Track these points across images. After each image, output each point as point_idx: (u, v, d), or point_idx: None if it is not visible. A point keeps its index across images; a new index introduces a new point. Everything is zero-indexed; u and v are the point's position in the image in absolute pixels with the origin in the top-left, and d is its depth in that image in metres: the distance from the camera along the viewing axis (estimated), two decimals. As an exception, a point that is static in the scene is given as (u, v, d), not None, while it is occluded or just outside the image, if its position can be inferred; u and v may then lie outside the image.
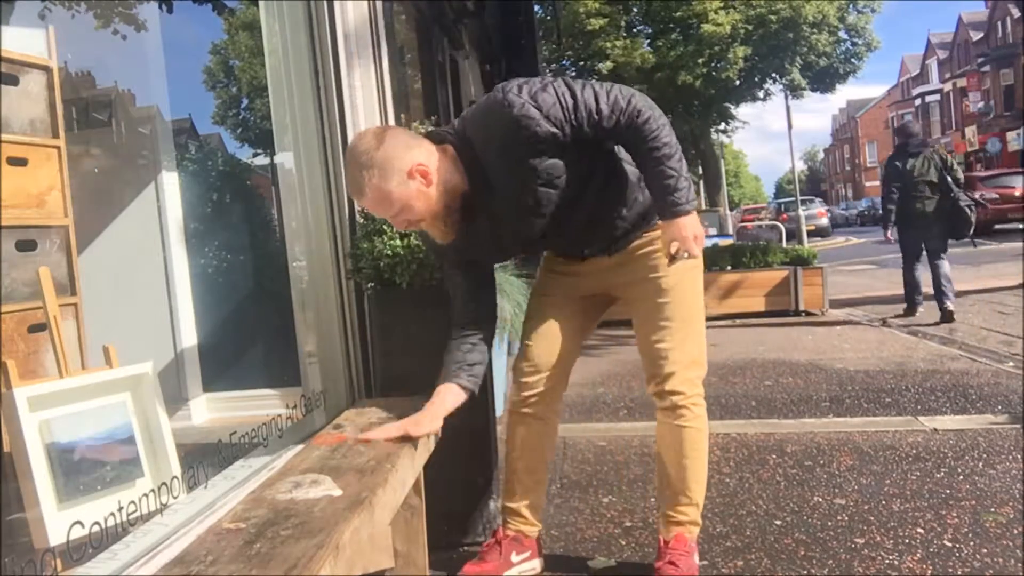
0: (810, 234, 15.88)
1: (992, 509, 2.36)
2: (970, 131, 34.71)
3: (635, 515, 2.50)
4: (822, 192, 59.32)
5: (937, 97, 40.54)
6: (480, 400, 2.27)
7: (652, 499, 2.58)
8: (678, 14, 19.86)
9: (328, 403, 2.47)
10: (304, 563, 1.09)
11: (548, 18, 16.68)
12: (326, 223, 2.52)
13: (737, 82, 20.50)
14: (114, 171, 3.36)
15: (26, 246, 1.97)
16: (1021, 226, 14.54)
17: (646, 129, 1.74)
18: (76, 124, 3.10)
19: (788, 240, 10.98)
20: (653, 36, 20.96)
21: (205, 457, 1.89)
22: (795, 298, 7.17)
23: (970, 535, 2.18)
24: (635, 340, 2.02)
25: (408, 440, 1.72)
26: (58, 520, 1.51)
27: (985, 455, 2.87)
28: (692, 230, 1.77)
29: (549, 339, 2.03)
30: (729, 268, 7.39)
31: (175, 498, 1.67)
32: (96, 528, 1.43)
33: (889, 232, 6.64)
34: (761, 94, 22.26)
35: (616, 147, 1.90)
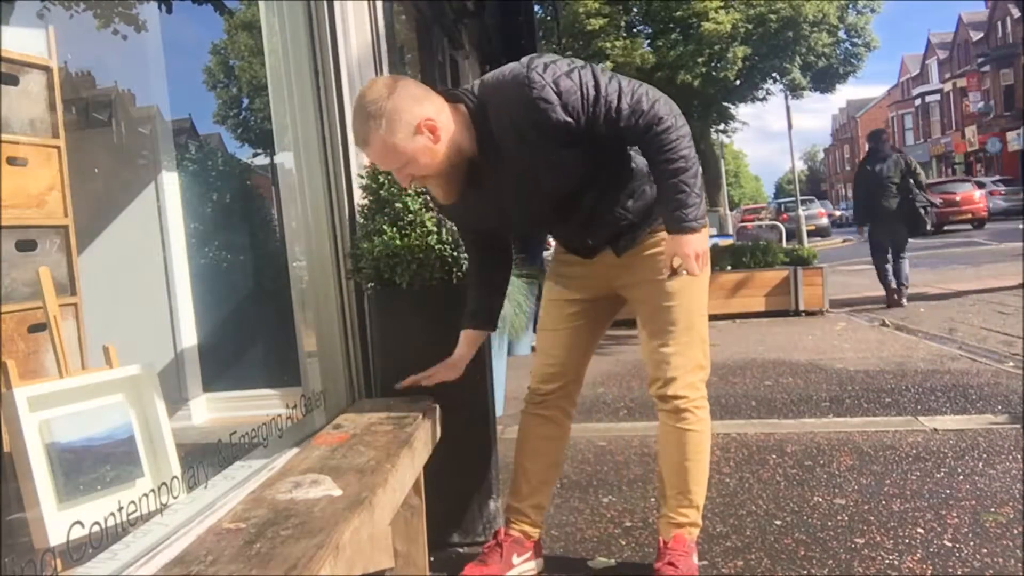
0: (810, 234, 15.90)
1: (992, 509, 2.36)
2: (970, 131, 34.72)
3: (635, 515, 2.50)
4: (822, 192, 59.30)
5: (937, 97, 40.54)
6: (480, 400, 2.28)
7: (652, 499, 2.58)
8: (678, 14, 19.88)
9: (328, 403, 2.47)
10: (304, 563, 1.09)
11: (548, 18, 16.69)
12: (326, 223, 2.52)
13: (737, 82, 20.51)
14: (114, 171, 3.36)
15: (26, 246, 1.97)
16: (1021, 226, 14.54)
17: (663, 138, 1.70)
18: (76, 124, 3.10)
19: (788, 240, 10.98)
20: (653, 36, 20.98)
21: (205, 457, 1.89)
22: (795, 298, 7.17)
23: (970, 535, 2.18)
24: (638, 340, 2.03)
25: (408, 438, 1.72)
26: (58, 520, 1.51)
27: (985, 455, 2.87)
28: (696, 248, 1.74)
29: (563, 343, 2.03)
30: (729, 268, 7.38)
31: (175, 498, 1.67)
32: (96, 528, 1.42)
33: (861, 229, 7.60)
34: (761, 94, 22.28)
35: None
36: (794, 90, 21.43)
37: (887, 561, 2.06)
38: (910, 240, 7.23)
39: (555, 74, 1.66)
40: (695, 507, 1.99)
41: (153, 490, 1.64)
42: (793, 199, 17.61)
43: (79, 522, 1.41)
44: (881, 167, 7.01)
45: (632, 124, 1.69)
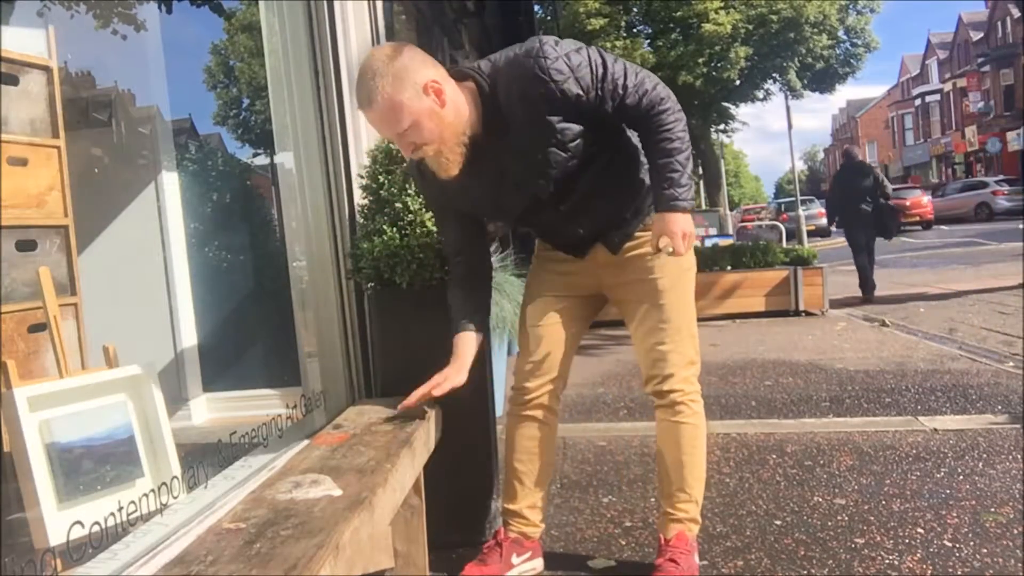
0: (810, 234, 15.91)
1: (992, 509, 2.36)
2: (970, 131, 34.73)
3: (635, 515, 2.50)
4: (822, 192, 59.31)
5: (937, 97, 40.55)
6: (480, 400, 2.28)
7: (652, 499, 2.59)
8: (678, 14, 19.87)
9: (328, 403, 2.47)
10: (304, 563, 1.09)
11: (548, 18, 16.70)
12: (326, 223, 2.52)
13: (737, 82, 20.50)
14: (114, 171, 3.36)
15: (26, 246, 1.97)
16: (1021, 226, 14.56)
17: (663, 118, 1.75)
18: (76, 124, 3.10)
19: (788, 240, 10.99)
20: (653, 36, 20.98)
21: (205, 457, 1.89)
22: (795, 298, 7.17)
23: (970, 535, 2.18)
24: (631, 340, 2.03)
25: (408, 438, 1.72)
26: (58, 520, 1.51)
27: (985, 455, 2.87)
28: (683, 227, 1.77)
29: (547, 340, 2.02)
30: (729, 268, 7.38)
31: (175, 498, 1.67)
32: (96, 528, 1.42)
33: (832, 224, 9.14)
34: (761, 94, 22.27)
35: (631, 131, 1.89)
36: (794, 90, 21.44)
37: (887, 561, 2.06)
38: (897, 240, 8.58)
39: (566, 50, 1.70)
40: (694, 502, 1.99)
41: (153, 490, 1.64)
42: (793, 199, 17.61)
43: (79, 522, 1.41)
44: (856, 177, 8.03)
45: (636, 102, 1.73)
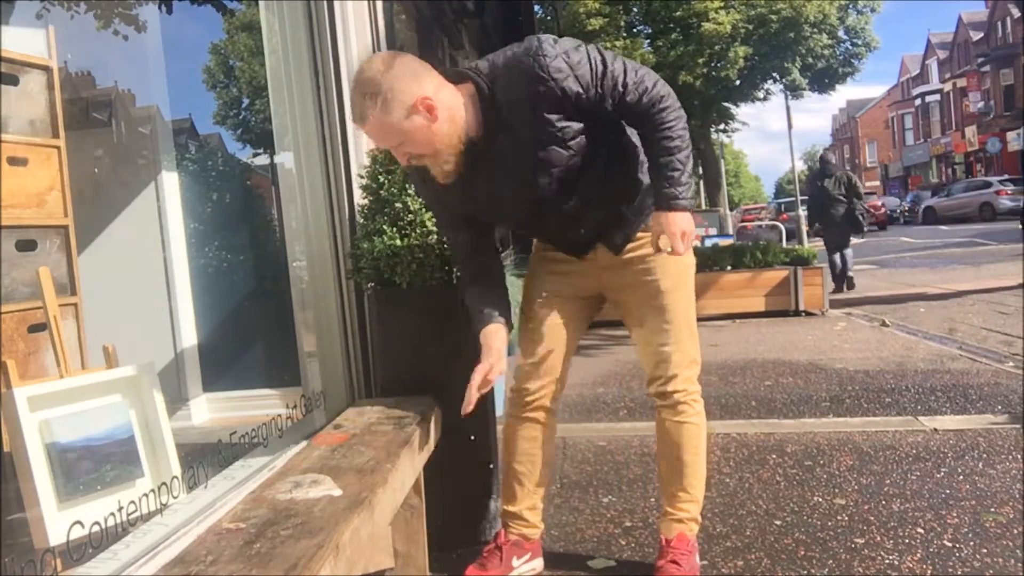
0: (810, 234, 15.92)
1: (992, 509, 2.36)
2: (970, 131, 34.72)
3: (635, 515, 2.50)
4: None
5: (937, 97, 40.54)
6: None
7: (652, 499, 2.59)
8: (678, 14, 19.84)
9: (328, 403, 2.46)
10: (304, 563, 1.09)
11: (548, 18, 16.67)
12: (326, 223, 2.52)
13: (737, 82, 20.49)
14: (114, 171, 3.36)
15: (26, 246, 1.97)
16: (1021, 226, 14.59)
17: (663, 116, 1.74)
18: (76, 124, 3.10)
19: (788, 240, 11.00)
20: (653, 36, 20.95)
21: (205, 457, 1.89)
22: (795, 298, 7.17)
23: (970, 535, 2.18)
24: (632, 341, 2.02)
25: (408, 438, 1.72)
26: (58, 520, 1.51)
27: (985, 455, 2.87)
28: (682, 226, 1.76)
29: (546, 341, 2.01)
30: (729, 268, 7.39)
31: (175, 498, 1.67)
32: (96, 528, 1.42)
33: (812, 228, 9.54)
34: (761, 94, 22.25)
35: (631, 129, 1.88)
36: (794, 90, 21.42)
37: (887, 561, 2.06)
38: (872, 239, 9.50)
39: (564, 47, 1.70)
40: (695, 502, 1.99)
41: (153, 490, 1.64)
42: (793, 199, 17.59)
43: (79, 522, 1.41)
44: (828, 183, 8.72)
45: (636, 99, 1.73)
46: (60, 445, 1.59)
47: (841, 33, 21.25)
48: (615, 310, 2.06)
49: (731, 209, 27.06)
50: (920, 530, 2.24)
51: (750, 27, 19.49)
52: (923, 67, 43.82)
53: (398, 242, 2.21)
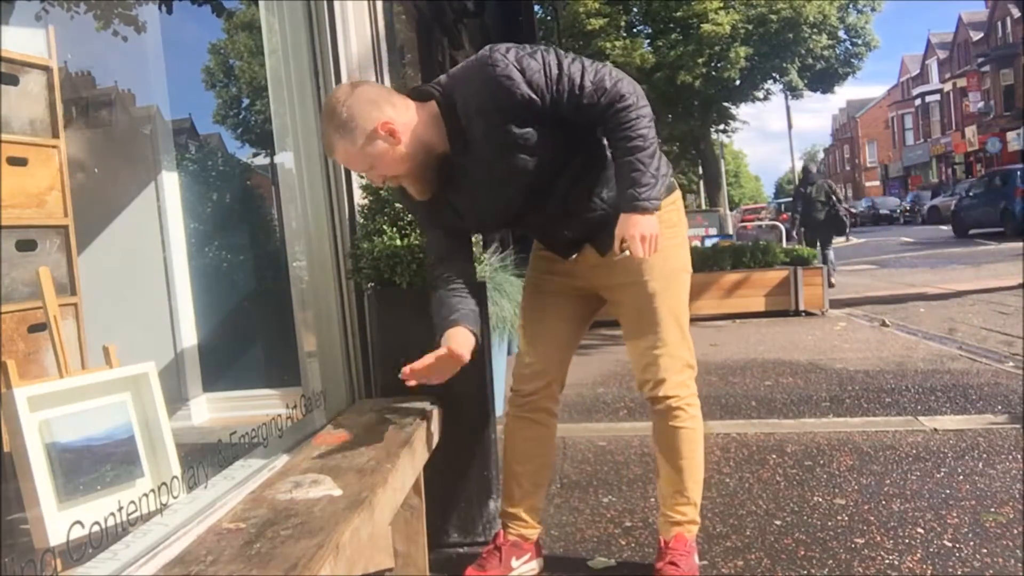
0: (789, 235, 15.96)
1: (992, 509, 2.36)
2: (970, 131, 34.71)
3: (635, 515, 2.50)
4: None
5: (937, 97, 40.55)
6: (480, 400, 2.28)
7: (652, 499, 2.58)
8: (678, 14, 19.83)
9: (328, 403, 2.46)
10: (304, 563, 1.09)
11: (548, 18, 16.69)
12: (326, 223, 2.52)
13: (737, 82, 20.48)
14: (114, 171, 3.35)
15: (26, 246, 1.96)
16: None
17: (624, 116, 1.70)
18: (76, 124, 3.10)
19: (788, 240, 11.01)
20: (653, 36, 20.93)
21: (205, 457, 1.88)
22: (795, 298, 7.17)
23: (970, 535, 2.18)
24: (624, 342, 2.02)
25: (408, 438, 1.72)
26: (58, 520, 1.51)
27: (985, 455, 2.87)
28: (643, 229, 1.70)
29: (545, 342, 2.01)
30: (729, 268, 7.39)
31: (175, 498, 1.67)
32: (96, 528, 1.42)
33: (795, 231, 10.32)
34: (761, 94, 22.25)
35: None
36: (794, 90, 21.42)
37: (887, 561, 2.06)
38: (839, 238, 10.68)
39: (518, 55, 1.69)
40: (693, 504, 1.99)
41: (153, 490, 1.64)
42: (793, 199, 17.60)
43: (79, 522, 1.41)
44: (811, 189, 9.69)
45: (595, 101, 1.70)
46: (60, 445, 1.58)
47: (841, 33, 21.24)
48: (610, 310, 2.05)
49: (731, 209, 27.07)
50: (920, 530, 2.24)
51: (750, 27, 19.48)
52: (923, 67, 43.83)
53: (398, 242, 2.21)
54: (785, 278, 7.23)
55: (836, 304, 7.56)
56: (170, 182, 3.34)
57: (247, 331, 3.72)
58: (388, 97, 1.71)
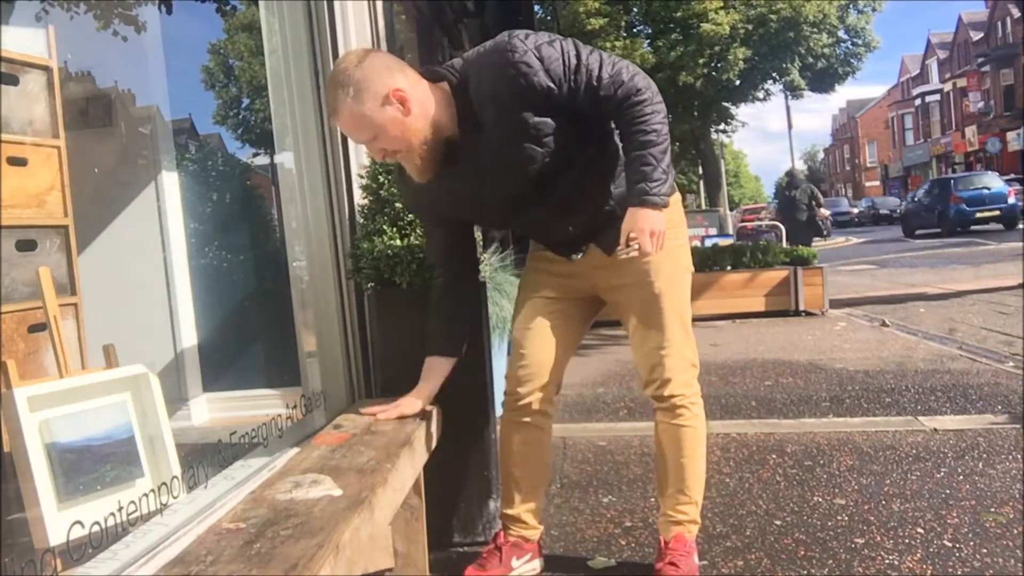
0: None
1: (992, 509, 2.36)
2: (970, 131, 34.74)
3: (635, 515, 2.50)
4: (822, 192, 59.32)
5: (937, 97, 40.55)
6: (480, 400, 2.28)
7: (652, 499, 2.58)
8: (678, 14, 19.85)
9: (328, 403, 2.46)
10: (304, 563, 1.09)
11: (548, 18, 16.66)
12: (326, 223, 2.52)
13: (737, 82, 20.49)
14: (114, 171, 3.35)
15: (26, 246, 1.96)
16: (1021, 226, 14.60)
17: (639, 110, 1.70)
18: (76, 124, 3.09)
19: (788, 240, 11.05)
20: (653, 36, 20.95)
21: (205, 457, 1.89)
22: (795, 298, 7.17)
23: (970, 535, 2.18)
24: (628, 343, 2.01)
25: (408, 438, 1.72)
26: (58, 520, 1.51)
27: (985, 455, 2.87)
28: (651, 225, 1.68)
29: (538, 344, 1.98)
30: (729, 268, 7.39)
31: (175, 498, 1.67)
32: (96, 528, 1.42)
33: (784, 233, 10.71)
34: (761, 94, 22.26)
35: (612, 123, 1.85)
36: (794, 90, 21.43)
37: (887, 561, 2.06)
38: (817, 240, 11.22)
39: (536, 42, 1.67)
40: (694, 504, 1.99)
41: (153, 490, 1.64)
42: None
43: (79, 522, 1.41)
44: (795, 193, 10.22)
45: (611, 93, 1.69)
46: (60, 445, 1.58)
47: (841, 33, 21.25)
48: (612, 311, 2.05)
49: (731, 209, 27.07)
50: (920, 530, 2.24)
51: (750, 27, 19.49)
52: (923, 67, 43.82)
53: (398, 242, 2.21)
54: (785, 278, 7.23)
55: (836, 304, 7.56)
56: (170, 182, 3.33)
57: (247, 331, 3.72)
58: (401, 67, 1.69)
